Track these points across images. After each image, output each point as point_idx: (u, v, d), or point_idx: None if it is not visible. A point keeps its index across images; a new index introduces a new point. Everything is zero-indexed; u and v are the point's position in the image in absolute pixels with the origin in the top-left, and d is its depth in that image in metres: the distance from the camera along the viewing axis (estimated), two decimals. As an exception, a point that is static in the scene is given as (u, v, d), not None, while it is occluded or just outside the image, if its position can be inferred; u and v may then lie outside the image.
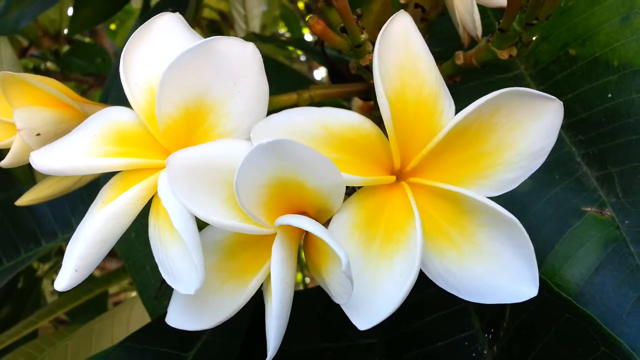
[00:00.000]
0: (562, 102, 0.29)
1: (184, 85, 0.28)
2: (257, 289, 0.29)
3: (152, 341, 0.39)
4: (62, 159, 0.31)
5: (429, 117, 0.30)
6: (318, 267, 0.28)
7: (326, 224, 0.30)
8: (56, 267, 1.50)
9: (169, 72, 0.28)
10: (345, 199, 0.29)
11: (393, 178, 0.30)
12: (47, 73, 1.58)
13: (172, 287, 0.28)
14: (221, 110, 0.28)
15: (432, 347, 0.39)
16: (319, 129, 0.29)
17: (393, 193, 0.30)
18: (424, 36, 0.46)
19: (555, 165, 0.41)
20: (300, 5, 1.83)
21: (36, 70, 1.63)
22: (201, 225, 0.29)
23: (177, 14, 0.33)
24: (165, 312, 0.31)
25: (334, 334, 0.44)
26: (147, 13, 0.81)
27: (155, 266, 0.51)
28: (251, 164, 0.24)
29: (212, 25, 1.68)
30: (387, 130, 0.29)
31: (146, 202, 0.30)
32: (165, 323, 0.31)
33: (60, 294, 1.32)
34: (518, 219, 0.39)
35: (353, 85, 0.47)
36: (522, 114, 0.29)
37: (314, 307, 0.47)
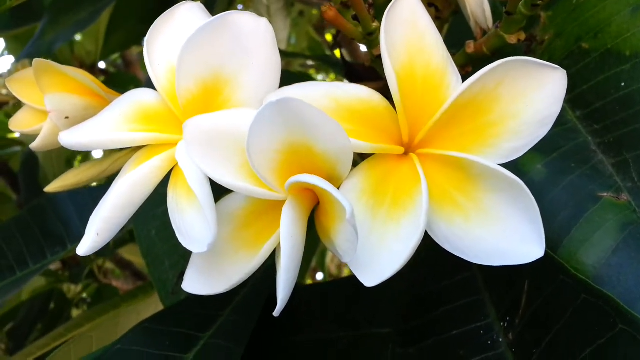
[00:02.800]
0: (565, 72, 0.30)
1: (201, 58, 0.30)
2: (269, 254, 0.30)
3: (167, 324, 0.40)
4: (88, 134, 0.33)
5: (437, 90, 0.31)
6: (328, 231, 0.29)
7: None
8: (87, 290, 1.53)
9: (187, 46, 0.29)
10: (355, 168, 0.31)
11: (401, 149, 0.31)
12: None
13: (188, 248, 0.29)
14: (236, 82, 0.30)
15: (446, 336, 0.39)
16: (329, 100, 0.30)
17: (402, 163, 0.31)
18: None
19: (571, 154, 0.41)
20: (328, 37, 1.88)
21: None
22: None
23: (198, 2, 0.35)
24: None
25: (350, 324, 0.45)
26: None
27: (174, 263, 0.52)
28: (262, 122, 0.26)
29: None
30: (395, 103, 0.30)
31: (165, 172, 0.32)
32: (181, 307, 0.32)
33: (88, 307, 1.33)
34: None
35: (370, 84, 0.48)
36: (526, 84, 0.30)
37: (331, 299, 0.47)
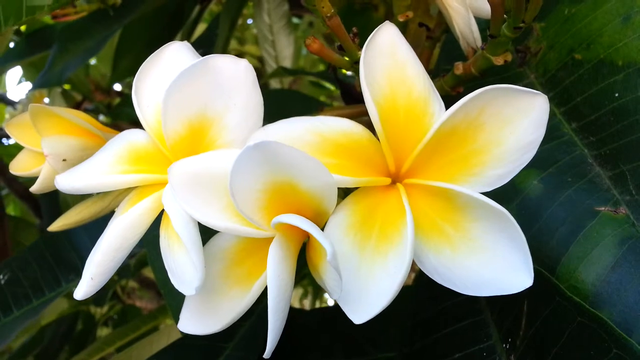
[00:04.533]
0: (547, 97, 0.30)
1: (184, 102, 0.30)
2: (261, 292, 0.30)
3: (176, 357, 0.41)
4: (82, 178, 0.33)
5: (420, 120, 0.31)
6: (316, 267, 0.29)
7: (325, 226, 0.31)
8: (112, 311, 1.55)
9: (170, 90, 0.30)
10: (341, 202, 0.31)
11: (386, 180, 0.31)
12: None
13: (178, 289, 0.29)
14: (220, 123, 0.31)
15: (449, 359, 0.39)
16: (312, 135, 0.30)
17: (388, 194, 0.31)
18: (430, 54, 0.48)
19: (568, 168, 0.41)
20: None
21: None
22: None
23: (185, 42, 0.35)
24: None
25: (356, 350, 0.45)
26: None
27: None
28: (241, 166, 0.26)
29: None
30: (377, 134, 0.30)
31: (157, 213, 0.32)
32: (189, 340, 0.33)
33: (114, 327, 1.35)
34: (531, 223, 0.39)
35: (364, 106, 0.49)
36: (508, 111, 0.30)
37: (337, 324, 0.47)
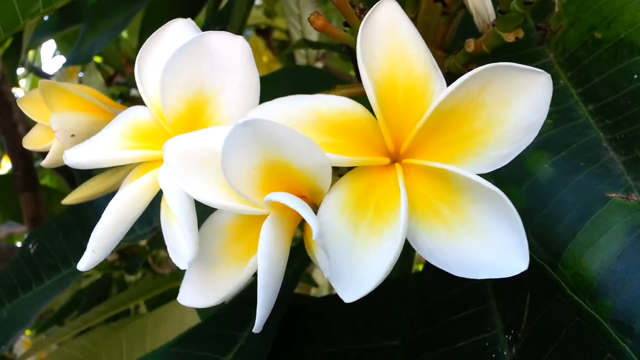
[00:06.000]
0: (549, 76, 0.29)
1: (181, 79, 0.30)
2: (256, 268, 0.31)
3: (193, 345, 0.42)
4: (87, 154, 0.34)
5: (420, 99, 0.31)
6: (309, 245, 0.29)
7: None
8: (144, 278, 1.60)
9: (167, 68, 0.30)
10: (338, 180, 0.31)
11: (384, 159, 0.31)
12: (133, 101, 1.70)
13: (176, 263, 0.30)
14: (217, 100, 0.31)
15: (451, 348, 0.39)
16: (310, 114, 0.30)
17: (386, 174, 0.31)
18: (446, 30, 0.47)
19: (581, 151, 0.39)
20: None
21: (123, 97, 1.76)
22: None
23: (189, 19, 0.36)
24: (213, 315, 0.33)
25: (362, 336, 0.45)
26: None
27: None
28: (231, 144, 0.26)
29: (283, 46, 1.75)
30: (375, 113, 0.30)
31: (157, 189, 0.33)
32: (206, 329, 0.33)
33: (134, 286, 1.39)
34: (540, 208, 0.38)
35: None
36: (510, 90, 0.29)
37: (343, 310, 0.48)
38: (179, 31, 0.34)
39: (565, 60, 0.45)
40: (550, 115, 0.39)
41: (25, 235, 1.39)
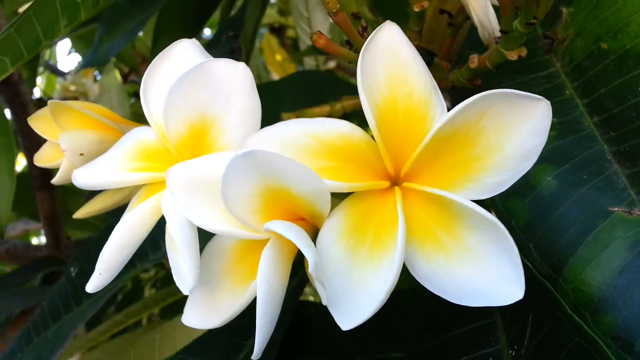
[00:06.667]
0: (549, 102, 0.29)
1: (185, 104, 0.31)
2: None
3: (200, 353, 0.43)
4: (94, 175, 0.35)
5: (420, 123, 0.31)
6: (308, 272, 0.30)
7: (322, 228, 0.31)
8: (157, 277, 1.62)
9: (171, 94, 0.31)
10: (339, 204, 0.31)
11: (383, 183, 0.31)
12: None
13: (179, 287, 0.30)
14: (220, 126, 0.31)
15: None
16: (309, 138, 0.31)
17: (385, 198, 0.31)
18: (451, 41, 0.47)
19: (585, 164, 0.39)
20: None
21: (137, 96, 1.78)
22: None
23: (194, 39, 0.36)
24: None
25: (369, 348, 0.46)
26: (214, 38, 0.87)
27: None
28: (230, 175, 0.27)
29: (297, 44, 1.75)
30: (374, 137, 0.30)
31: (162, 213, 0.33)
32: (212, 337, 0.34)
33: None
34: (542, 221, 0.38)
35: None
36: (509, 117, 0.29)
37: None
38: (184, 52, 0.35)
39: (571, 70, 0.44)
40: (553, 126, 0.39)
41: (42, 232, 1.42)
